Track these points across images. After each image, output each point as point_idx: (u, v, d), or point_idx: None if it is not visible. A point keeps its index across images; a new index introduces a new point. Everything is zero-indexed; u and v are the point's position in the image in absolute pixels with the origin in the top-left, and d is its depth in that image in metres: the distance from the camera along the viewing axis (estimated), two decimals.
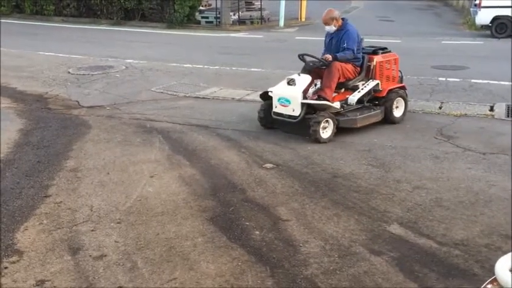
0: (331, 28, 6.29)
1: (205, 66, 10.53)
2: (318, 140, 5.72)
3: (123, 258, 3.42)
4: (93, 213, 4.07)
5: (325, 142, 5.75)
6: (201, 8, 18.25)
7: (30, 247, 3.51)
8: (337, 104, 6.06)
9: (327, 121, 5.82)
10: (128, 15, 18.19)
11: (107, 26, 17.47)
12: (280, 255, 3.48)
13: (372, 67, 6.38)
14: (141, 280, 3.17)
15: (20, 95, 8.27)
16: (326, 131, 5.83)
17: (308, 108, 5.90)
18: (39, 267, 3.27)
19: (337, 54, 6.13)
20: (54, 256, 3.41)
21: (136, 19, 18.14)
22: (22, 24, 17.72)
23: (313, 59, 6.35)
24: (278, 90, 6.10)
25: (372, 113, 6.27)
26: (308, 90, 6.16)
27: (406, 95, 6.72)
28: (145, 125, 6.51)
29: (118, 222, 3.92)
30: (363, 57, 6.38)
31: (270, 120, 6.24)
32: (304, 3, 19.80)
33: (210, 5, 18.62)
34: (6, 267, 3.26)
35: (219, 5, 17.54)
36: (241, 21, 18.09)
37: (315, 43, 14.34)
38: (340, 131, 5.99)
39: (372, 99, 6.49)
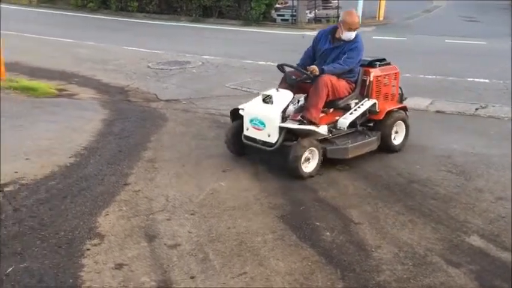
0: (351, 35, 5.04)
1: (272, 63, 10.55)
2: (298, 176, 4.66)
3: (195, 248, 3.51)
4: (168, 203, 4.21)
5: (309, 177, 4.68)
6: (277, 5, 18.31)
7: (110, 231, 3.70)
8: (324, 129, 4.90)
9: (310, 151, 4.70)
10: (206, 13, 18.63)
11: (185, 23, 18.00)
12: (351, 258, 3.42)
13: (367, 83, 5.25)
14: (213, 272, 3.23)
15: (104, 87, 8.74)
16: (309, 163, 4.73)
17: (288, 134, 4.75)
18: (118, 251, 3.43)
19: (325, 67, 4.94)
20: (131, 242, 3.56)
21: (214, 16, 18.54)
22: (108, 19, 18.70)
23: (293, 70, 5.13)
24: (251, 109, 4.93)
25: (367, 140, 5.12)
26: (288, 108, 5.05)
27: (407, 117, 5.57)
28: (219, 120, 6.63)
29: (192, 214, 4.03)
30: (359, 71, 5.23)
31: (240, 144, 5.11)
32: (383, 2, 19.28)
33: (286, 2, 18.61)
34: (88, 249, 3.45)
35: (295, 3, 17.50)
36: (317, 20, 17.94)
37: (392, 44, 13.95)
38: (416, 132, 5.76)
39: (366, 121, 5.35)
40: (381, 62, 5.47)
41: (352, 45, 5.04)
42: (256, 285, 3.09)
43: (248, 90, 8.37)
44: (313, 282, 3.14)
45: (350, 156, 4.94)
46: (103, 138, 5.85)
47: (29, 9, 20.25)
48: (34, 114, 6.75)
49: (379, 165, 5.10)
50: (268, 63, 10.62)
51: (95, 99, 7.88)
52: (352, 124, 5.13)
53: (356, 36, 5.08)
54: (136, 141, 5.79)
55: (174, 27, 17.22)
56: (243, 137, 5.00)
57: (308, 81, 5.02)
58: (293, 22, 17.47)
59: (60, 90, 8.42)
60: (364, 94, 5.28)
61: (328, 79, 4.88)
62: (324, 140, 4.93)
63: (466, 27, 17.14)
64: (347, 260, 3.40)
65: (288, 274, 3.22)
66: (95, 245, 3.51)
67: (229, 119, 6.65)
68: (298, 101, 5.26)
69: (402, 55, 12.15)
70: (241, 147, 5.12)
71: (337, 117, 5.10)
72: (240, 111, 5.05)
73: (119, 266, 3.25)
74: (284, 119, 4.88)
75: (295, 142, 4.68)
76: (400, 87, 5.65)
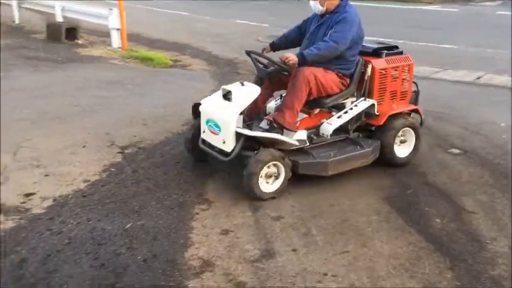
0: (316, 6, 4.05)
1: (389, 40, 10.10)
2: (256, 197, 3.74)
3: (298, 222, 3.53)
4: None
5: (272, 198, 3.78)
6: None
7: (217, 199, 3.84)
8: (301, 136, 3.97)
9: (274, 165, 3.78)
10: None
11: None
12: (462, 248, 3.23)
13: (366, 77, 4.15)
14: (315, 247, 3.24)
15: (214, 59, 9.03)
16: (272, 180, 3.81)
17: (248, 141, 3.77)
18: (224, 218, 3.57)
19: (305, 52, 3.88)
20: (237, 210, 3.67)
21: None
22: None
23: (262, 60, 4.10)
24: (207, 107, 3.97)
25: (358, 152, 4.08)
26: (261, 108, 4.20)
27: (421, 123, 4.52)
28: None
29: (295, 188, 4.04)
30: (358, 61, 4.13)
31: (200, 148, 4.12)
32: None
33: None
34: (197, 213, 3.62)
35: None
36: None
37: None
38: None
39: (366, 126, 4.34)
40: (390, 50, 4.34)
41: (340, 17, 3.93)
42: (359, 265, 3.05)
43: None
44: (420, 269, 3.02)
45: (330, 173, 3.97)
46: None
47: None
48: (151, 82, 7.19)
49: (498, 152, 4.72)
50: (375, 38, 10.21)
51: (205, 70, 8.18)
52: (343, 130, 4.20)
53: (342, 6, 4.01)
54: None
55: (285, 2, 17.18)
56: (200, 140, 4.09)
57: (285, 73, 4.03)
58: None
59: (174, 60, 8.87)
60: (362, 91, 4.20)
61: (311, 73, 3.85)
62: (298, 151, 3.98)
63: None
64: (458, 250, 3.21)
65: (393, 258, 3.13)
66: (203, 210, 3.67)
67: None
68: (281, 97, 4.40)
69: None
70: (202, 152, 4.14)
71: (323, 120, 4.14)
72: (200, 108, 4.06)
73: (225, 232, 3.38)
74: (256, 120, 4.03)
75: (255, 152, 3.73)
76: (414, 83, 4.50)
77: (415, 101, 4.54)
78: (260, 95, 3.93)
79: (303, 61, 3.86)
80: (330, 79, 3.99)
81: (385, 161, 4.30)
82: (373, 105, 4.18)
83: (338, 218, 3.61)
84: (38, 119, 5.40)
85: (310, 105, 4.09)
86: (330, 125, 4.06)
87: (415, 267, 3.03)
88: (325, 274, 2.96)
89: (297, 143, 3.95)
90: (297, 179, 4.14)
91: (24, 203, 3.66)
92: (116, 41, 9.44)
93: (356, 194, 3.98)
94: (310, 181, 4.09)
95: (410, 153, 4.40)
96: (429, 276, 2.95)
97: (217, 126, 3.83)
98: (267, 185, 3.79)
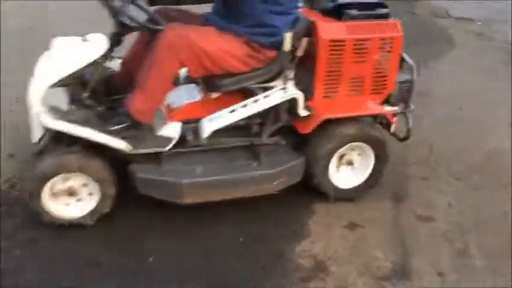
0: None
1: None
2: (48, 223, 2.41)
3: (452, 232, 2.67)
4: (431, 155, 3.35)
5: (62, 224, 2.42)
6: None
7: None
8: (170, 132, 2.42)
9: (74, 180, 2.39)
10: None
11: None
12: None
13: (298, 52, 2.49)
14: (468, 272, 2.40)
15: None
16: (75, 202, 2.44)
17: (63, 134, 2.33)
18: (356, 206, 2.82)
19: None
20: (373, 198, 2.87)
21: None
22: None
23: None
24: (40, 65, 2.45)
25: (247, 173, 2.49)
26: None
27: (407, 135, 2.82)
28: None
29: (457, 178, 3.12)
30: (296, 20, 2.47)
31: None
32: None
33: None
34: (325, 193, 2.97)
35: None
36: None
37: None
38: None
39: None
40: (364, 10, 2.54)
41: None
42: None
43: None
44: None
45: (187, 201, 2.43)
46: None
47: None
48: None
49: None
50: None
51: None
52: (242, 132, 2.61)
53: None
54: None
55: None
56: None
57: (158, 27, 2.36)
58: None
59: None
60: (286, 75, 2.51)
61: (182, 36, 2.27)
62: (152, 156, 2.42)
63: None
64: None
65: None
66: None
67: None
68: None
69: None
70: None
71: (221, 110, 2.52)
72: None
73: (352, 226, 2.65)
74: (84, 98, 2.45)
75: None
76: (405, 62, 2.70)
77: (405, 96, 2.74)
78: (139, 58, 2.52)
79: None
80: (225, 49, 2.36)
81: (314, 188, 2.74)
82: (295, 98, 2.53)
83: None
84: None
85: (208, 88, 2.52)
86: (209, 123, 2.46)
87: None
88: None
89: (122, 146, 2.34)
90: (468, 166, 3.20)
91: None
92: None
93: None
94: (485, 171, 3.14)
95: (362, 184, 2.79)
96: None
97: None
98: (71, 206, 2.45)
